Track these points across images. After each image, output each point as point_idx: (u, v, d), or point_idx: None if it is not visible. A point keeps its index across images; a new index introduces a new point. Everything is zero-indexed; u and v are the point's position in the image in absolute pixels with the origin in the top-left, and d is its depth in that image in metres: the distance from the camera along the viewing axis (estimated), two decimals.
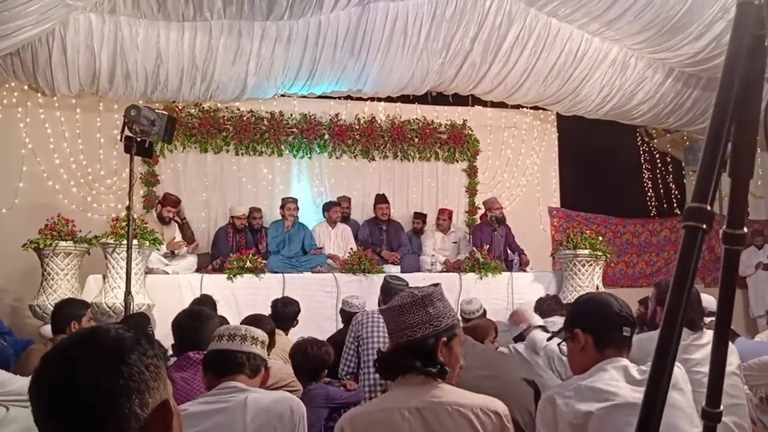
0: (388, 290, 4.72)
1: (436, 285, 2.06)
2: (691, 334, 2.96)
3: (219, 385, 2.19)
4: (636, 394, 1.91)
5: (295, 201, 8.04)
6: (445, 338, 1.98)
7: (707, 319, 3.74)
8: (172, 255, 7.37)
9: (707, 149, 0.88)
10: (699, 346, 2.94)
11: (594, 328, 2.09)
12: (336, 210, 8.27)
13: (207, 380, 2.29)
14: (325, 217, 8.34)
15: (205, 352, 2.40)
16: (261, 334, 2.38)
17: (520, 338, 4.04)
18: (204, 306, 4.67)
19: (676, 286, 0.86)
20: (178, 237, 7.59)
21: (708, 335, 3.02)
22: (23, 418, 2.70)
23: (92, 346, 1.04)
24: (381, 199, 8.69)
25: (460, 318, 5.43)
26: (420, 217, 9.01)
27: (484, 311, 5.47)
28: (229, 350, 2.26)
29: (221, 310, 5.27)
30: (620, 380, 1.99)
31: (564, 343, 2.22)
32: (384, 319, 2.11)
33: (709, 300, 4.57)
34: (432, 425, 1.90)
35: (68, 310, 4.04)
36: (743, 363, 3.65)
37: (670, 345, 0.86)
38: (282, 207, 7.93)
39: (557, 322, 4.73)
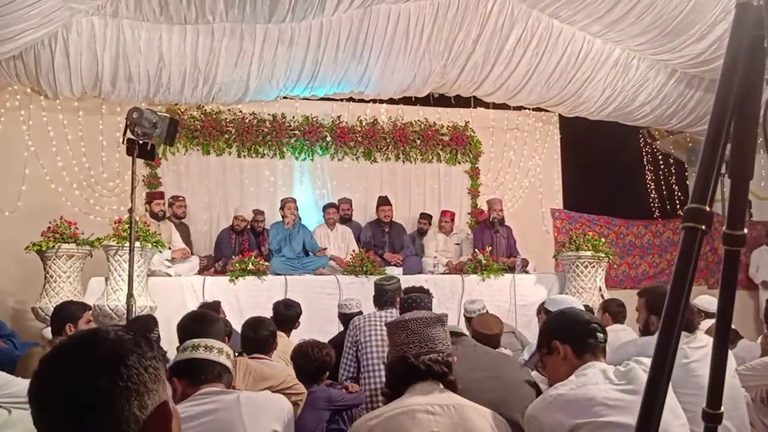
0: (382, 292, 4.74)
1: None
2: (687, 335, 2.95)
3: (202, 390, 2.16)
4: (619, 395, 2.03)
5: (294, 200, 8.05)
6: (454, 358, 2.13)
7: (709, 321, 3.74)
8: (173, 258, 7.38)
9: (706, 150, 0.87)
10: (697, 348, 2.94)
11: (572, 338, 2.22)
12: (331, 212, 8.27)
13: (181, 387, 2.23)
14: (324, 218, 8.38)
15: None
16: (231, 354, 2.39)
17: None
18: (208, 309, 4.71)
19: (675, 287, 0.86)
20: (176, 236, 7.60)
21: (704, 337, 3.02)
22: (26, 420, 2.70)
23: (91, 348, 1.04)
24: (384, 201, 8.69)
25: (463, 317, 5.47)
26: (426, 217, 8.99)
27: (486, 312, 5.47)
28: (208, 359, 2.24)
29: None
30: (601, 382, 2.08)
31: (540, 363, 2.36)
32: (401, 331, 2.10)
33: (711, 301, 4.57)
34: (457, 420, 1.94)
35: (64, 312, 4.05)
36: (746, 364, 3.65)
37: (669, 346, 0.86)
38: (282, 207, 7.93)
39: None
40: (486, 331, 3.73)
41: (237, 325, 4.25)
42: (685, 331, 2.96)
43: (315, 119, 9.28)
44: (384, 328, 4.28)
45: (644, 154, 10.94)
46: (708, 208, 0.86)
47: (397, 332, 2.12)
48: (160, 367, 1.07)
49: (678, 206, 10.57)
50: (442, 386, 2.06)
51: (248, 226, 8.16)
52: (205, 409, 2.09)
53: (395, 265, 7.94)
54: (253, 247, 7.89)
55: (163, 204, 7.73)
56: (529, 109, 9.96)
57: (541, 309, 5.03)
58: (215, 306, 5.34)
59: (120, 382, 1.00)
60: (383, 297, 4.74)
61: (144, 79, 7.28)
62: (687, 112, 9.15)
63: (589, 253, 7.33)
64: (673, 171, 10.86)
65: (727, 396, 2.76)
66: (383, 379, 4.09)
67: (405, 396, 2.03)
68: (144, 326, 4.19)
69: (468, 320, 5.27)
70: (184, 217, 8.11)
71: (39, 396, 1.01)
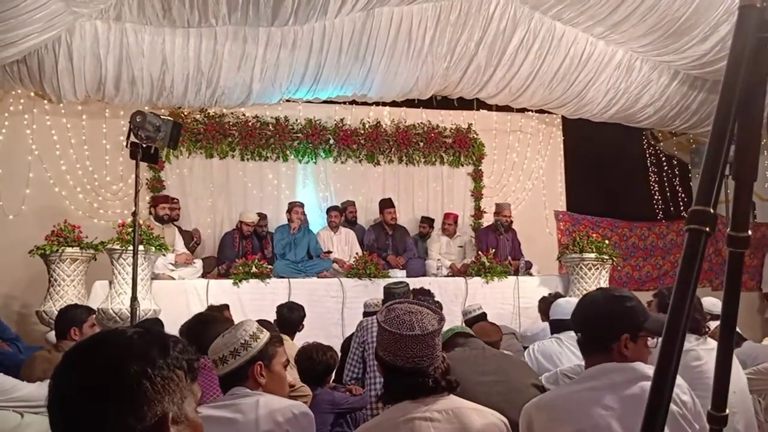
0: (391, 296, 4.75)
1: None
2: (696, 338, 2.94)
3: (230, 390, 2.19)
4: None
5: (302, 205, 8.04)
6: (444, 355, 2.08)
7: (714, 323, 3.72)
8: (176, 262, 7.38)
9: (710, 152, 0.87)
10: (709, 350, 2.92)
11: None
12: (333, 215, 8.27)
13: None
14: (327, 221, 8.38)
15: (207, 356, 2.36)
16: (243, 336, 2.23)
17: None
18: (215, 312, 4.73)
19: (679, 289, 0.86)
20: (179, 241, 7.61)
21: (713, 340, 3.00)
22: (37, 424, 2.72)
23: (97, 353, 1.05)
24: (388, 204, 8.68)
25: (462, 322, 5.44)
26: (427, 221, 9.01)
27: (484, 313, 5.48)
28: (221, 375, 2.22)
29: None
30: None
31: None
32: (419, 341, 1.97)
33: (715, 303, 4.55)
34: (456, 425, 1.93)
35: (68, 316, 4.08)
36: (753, 367, 3.63)
37: (674, 349, 0.85)
38: (289, 211, 7.92)
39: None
40: (485, 339, 3.72)
41: None
42: (695, 334, 2.95)
43: (318, 122, 9.29)
44: None
45: (647, 155, 10.93)
46: (712, 210, 0.86)
47: (411, 345, 1.97)
48: (170, 376, 1.06)
49: (681, 208, 10.56)
50: (447, 392, 2.03)
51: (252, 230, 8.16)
52: (223, 416, 2.08)
53: (398, 267, 7.94)
54: (256, 251, 7.90)
55: (168, 208, 7.73)
56: (532, 111, 9.97)
57: (544, 309, 5.02)
58: (222, 309, 5.34)
59: (115, 389, 1.00)
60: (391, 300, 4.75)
61: (147, 82, 7.29)
62: (690, 113, 9.14)
63: (592, 255, 7.32)
64: (677, 172, 10.85)
65: (738, 397, 2.75)
66: None
67: (404, 403, 2.00)
68: None
69: (467, 324, 5.27)
70: (177, 220, 8.06)
71: (51, 393, 1.03)
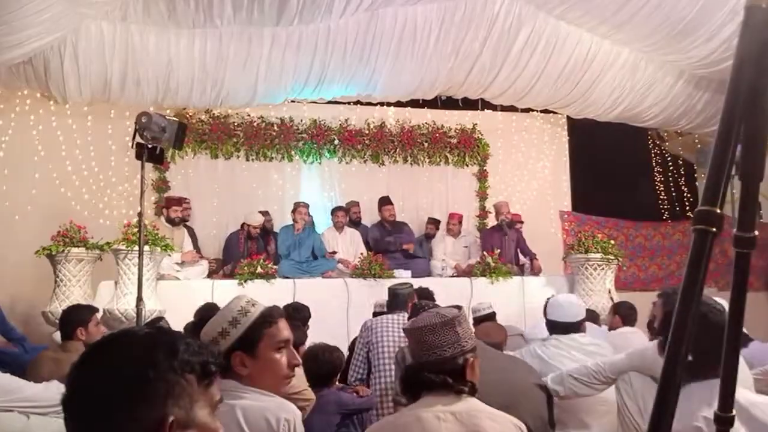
0: (396, 297, 4.76)
1: (460, 308, 2.14)
2: None
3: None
4: None
5: (306, 206, 8.05)
6: (471, 358, 2.06)
7: None
8: (182, 262, 7.40)
9: (716, 151, 0.87)
10: None
11: None
12: (339, 215, 8.28)
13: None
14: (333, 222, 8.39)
15: None
16: (221, 324, 2.05)
17: None
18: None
19: (685, 290, 0.85)
20: (187, 242, 7.62)
21: None
22: (43, 426, 2.72)
23: (104, 354, 1.06)
24: (386, 201, 8.73)
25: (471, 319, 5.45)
26: (433, 222, 9.02)
27: (493, 312, 5.48)
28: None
29: None
30: None
31: None
32: (410, 338, 2.10)
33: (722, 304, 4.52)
34: (469, 427, 1.92)
35: (73, 316, 4.09)
36: (760, 368, 3.62)
37: (680, 349, 0.85)
38: (293, 211, 7.93)
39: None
40: (487, 339, 3.68)
41: None
42: None
43: (323, 122, 9.31)
44: (395, 330, 4.33)
45: (653, 155, 10.90)
46: (719, 211, 0.85)
47: (409, 339, 2.13)
48: (176, 380, 1.04)
49: (687, 208, 10.53)
50: (454, 393, 2.02)
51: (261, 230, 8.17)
52: None
53: (403, 259, 7.96)
54: (261, 251, 7.90)
55: (180, 210, 7.73)
56: (537, 111, 9.95)
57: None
58: (211, 308, 5.30)
59: (115, 390, 1.00)
60: (395, 301, 4.79)
61: (152, 83, 7.30)
62: (696, 113, 9.11)
63: (598, 255, 7.30)
64: (682, 172, 10.81)
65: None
66: (393, 379, 4.11)
67: (421, 401, 2.03)
68: None
69: (475, 322, 5.26)
70: (187, 220, 8.07)
71: (64, 395, 1.05)
